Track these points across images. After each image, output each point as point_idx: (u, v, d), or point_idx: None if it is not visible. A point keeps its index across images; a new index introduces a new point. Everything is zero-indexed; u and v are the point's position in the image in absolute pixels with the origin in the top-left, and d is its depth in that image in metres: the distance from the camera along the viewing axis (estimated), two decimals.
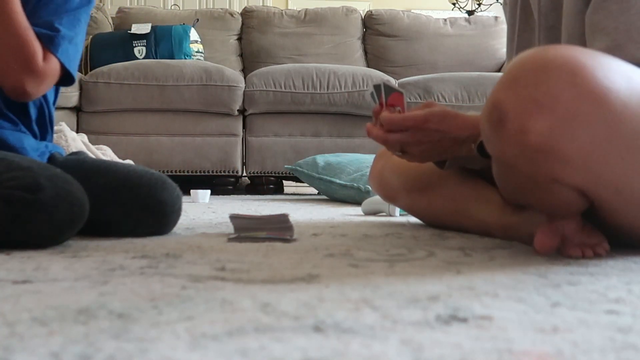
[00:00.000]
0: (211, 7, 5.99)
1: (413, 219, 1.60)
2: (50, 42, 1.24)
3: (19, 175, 1.04)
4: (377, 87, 1.16)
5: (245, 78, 3.27)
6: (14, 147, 1.26)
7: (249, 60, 3.84)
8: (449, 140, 1.12)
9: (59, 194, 1.05)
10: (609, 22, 0.98)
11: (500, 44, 3.91)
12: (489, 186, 1.27)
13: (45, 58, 1.23)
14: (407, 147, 1.15)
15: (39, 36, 1.22)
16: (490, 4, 5.96)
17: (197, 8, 5.27)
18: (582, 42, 1.03)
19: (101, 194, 1.13)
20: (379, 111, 1.15)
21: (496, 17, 4.07)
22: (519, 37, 1.21)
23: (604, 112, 0.80)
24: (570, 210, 0.94)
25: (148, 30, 3.43)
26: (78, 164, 1.30)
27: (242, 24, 3.93)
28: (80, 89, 3.15)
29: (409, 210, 1.52)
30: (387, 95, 1.15)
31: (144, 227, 1.24)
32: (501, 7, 5.19)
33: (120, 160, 2.10)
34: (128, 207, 1.23)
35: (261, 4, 5.83)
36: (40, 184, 1.03)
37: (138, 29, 3.45)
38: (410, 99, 3.25)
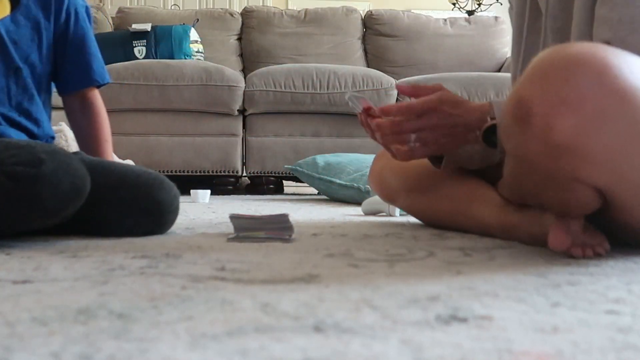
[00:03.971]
0: (211, 7, 5.99)
1: (413, 219, 1.60)
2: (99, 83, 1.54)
3: (19, 152, 1.05)
4: (351, 100, 1.24)
5: (245, 78, 3.27)
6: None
7: (249, 60, 3.84)
8: (462, 125, 1.14)
9: (60, 167, 1.06)
10: (613, 14, 0.98)
11: (500, 44, 3.91)
12: (488, 186, 1.27)
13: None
14: (422, 134, 1.15)
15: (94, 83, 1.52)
16: (490, 4, 5.96)
17: (197, 8, 5.27)
18: (592, 41, 1.03)
19: (99, 193, 1.13)
20: (364, 118, 1.20)
21: (496, 17, 4.06)
22: (527, 40, 1.21)
23: (630, 111, 0.80)
24: (585, 210, 0.95)
25: (148, 29, 3.43)
26: None
27: (242, 24, 3.93)
28: None
29: (408, 210, 1.52)
30: (359, 104, 1.22)
31: (142, 227, 1.24)
32: (501, 6, 5.20)
33: (121, 160, 2.09)
34: (126, 207, 1.22)
35: (261, 4, 5.82)
36: (41, 158, 1.04)
37: (138, 27, 3.44)
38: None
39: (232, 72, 3.27)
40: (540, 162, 0.87)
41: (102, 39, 3.56)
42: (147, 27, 3.43)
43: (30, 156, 1.04)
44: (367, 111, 1.20)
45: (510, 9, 1.32)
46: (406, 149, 1.18)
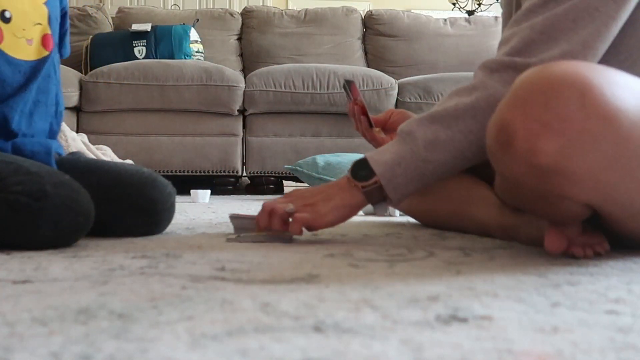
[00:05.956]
0: (211, 7, 5.99)
1: (413, 219, 1.60)
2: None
3: (26, 180, 1.03)
4: (344, 86, 1.41)
5: (245, 78, 3.27)
6: (40, 153, 1.26)
7: (249, 60, 3.84)
8: None
9: (64, 202, 1.04)
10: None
11: None
12: (487, 187, 1.27)
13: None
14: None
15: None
16: (490, 4, 5.96)
17: (197, 8, 5.27)
18: None
19: (93, 193, 1.13)
20: (351, 107, 1.38)
21: (496, 17, 4.06)
22: None
23: (614, 132, 0.79)
24: (576, 220, 0.95)
25: (148, 29, 3.43)
26: (72, 164, 1.29)
27: (242, 24, 3.93)
28: (80, 89, 3.15)
29: (407, 212, 1.52)
30: (350, 89, 1.38)
31: (137, 226, 1.23)
32: (501, 7, 5.17)
33: (120, 160, 2.09)
34: (120, 206, 1.22)
35: (261, 4, 5.83)
36: (45, 191, 1.02)
37: (138, 27, 3.45)
38: (410, 99, 3.26)
39: (232, 72, 3.27)
40: (526, 182, 0.87)
41: (102, 39, 3.58)
42: (147, 27, 3.43)
43: (36, 187, 1.02)
44: (355, 101, 1.35)
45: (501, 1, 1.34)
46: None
